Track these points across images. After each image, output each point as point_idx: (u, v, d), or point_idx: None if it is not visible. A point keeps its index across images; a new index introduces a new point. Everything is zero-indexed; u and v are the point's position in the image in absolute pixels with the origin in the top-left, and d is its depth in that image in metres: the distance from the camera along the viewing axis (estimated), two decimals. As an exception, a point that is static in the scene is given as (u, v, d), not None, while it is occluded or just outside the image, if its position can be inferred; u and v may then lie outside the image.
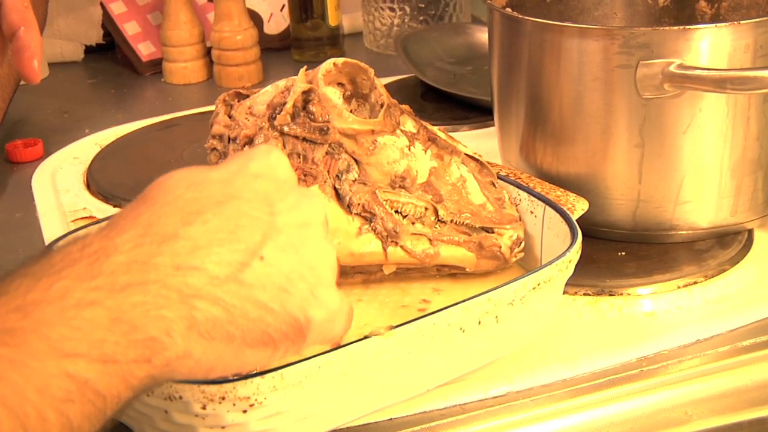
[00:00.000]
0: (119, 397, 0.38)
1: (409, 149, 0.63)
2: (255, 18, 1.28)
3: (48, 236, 0.82)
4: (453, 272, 0.65)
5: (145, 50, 1.27)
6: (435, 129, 0.66)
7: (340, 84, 0.65)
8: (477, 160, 0.66)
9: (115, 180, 0.93)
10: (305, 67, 0.66)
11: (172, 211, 0.41)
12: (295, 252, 0.43)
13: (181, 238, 0.40)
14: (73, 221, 0.86)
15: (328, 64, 0.64)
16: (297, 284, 0.42)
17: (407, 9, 1.28)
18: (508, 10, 0.78)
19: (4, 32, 0.69)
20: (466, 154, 0.66)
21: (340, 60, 0.64)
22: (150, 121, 1.08)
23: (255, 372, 0.50)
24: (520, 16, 0.74)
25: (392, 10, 1.29)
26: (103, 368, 0.37)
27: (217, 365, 0.41)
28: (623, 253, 0.73)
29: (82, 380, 0.36)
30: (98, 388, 0.37)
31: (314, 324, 0.43)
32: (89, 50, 1.33)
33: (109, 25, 1.28)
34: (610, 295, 0.69)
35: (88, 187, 0.93)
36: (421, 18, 1.28)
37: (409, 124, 0.65)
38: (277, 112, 0.63)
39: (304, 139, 0.62)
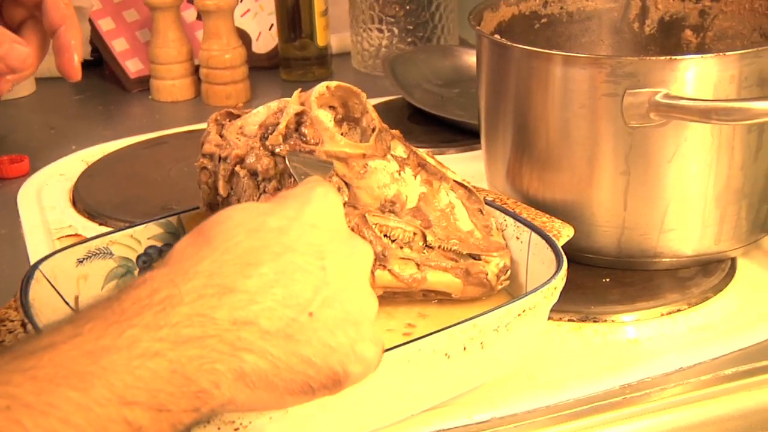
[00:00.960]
0: None
1: (399, 174, 0.64)
2: (243, 37, 1.28)
3: (33, 253, 0.82)
4: (439, 298, 0.65)
5: (132, 67, 1.27)
6: (425, 154, 0.66)
7: (331, 107, 0.65)
8: (466, 187, 0.66)
9: (101, 198, 0.93)
10: (299, 89, 0.66)
11: (232, 261, 0.44)
12: (341, 307, 0.46)
13: (240, 291, 0.43)
14: (58, 239, 0.85)
15: (321, 87, 0.64)
16: (340, 340, 0.45)
17: (395, 30, 1.29)
18: (497, 36, 0.78)
19: (46, 29, 0.70)
20: (455, 180, 0.66)
21: (333, 84, 0.64)
22: (137, 138, 1.08)
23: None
24: (508, 42, 0.75)
25: (380, 31, 1.29)
26: (157, 416, 0.39)
27: (258, 408, 0.45)
28: (608, 280, 0.74)
29: (137, 426, 0.39)
30: None
31: (351, 377, 0.46)
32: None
33: (97, 41, 1.28)
34: (595, 321, 0.69)
35: (74, 204, 0.93)
36: (409, 39, 1.29)
37: (400, 149, 0.65)
38: (269, 132, 0.64)
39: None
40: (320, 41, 1.28)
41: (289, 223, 0.47)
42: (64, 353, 0.39)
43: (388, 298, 0.65)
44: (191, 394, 0.40)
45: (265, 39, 1.34)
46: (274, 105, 0.66)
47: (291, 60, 1.29)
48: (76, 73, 0.71)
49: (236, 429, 0.50)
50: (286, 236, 0.46)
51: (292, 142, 0.63)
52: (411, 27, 1.29)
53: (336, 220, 0.49)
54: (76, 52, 0.70)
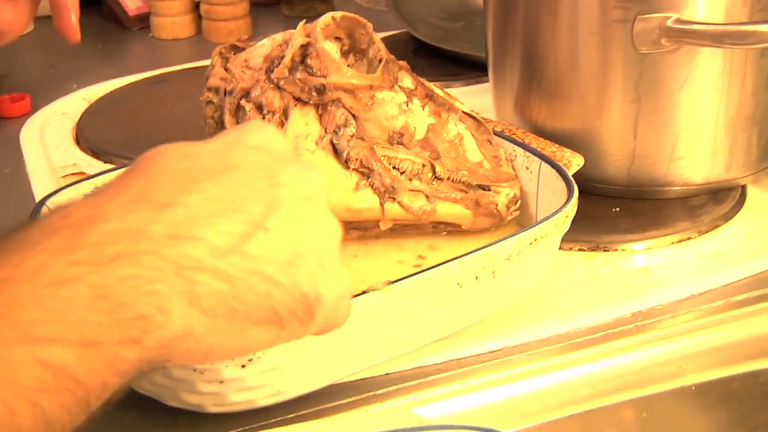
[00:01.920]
0: (105, 384, 0.34)
1: (407, 105, 0.63)
2: (243, -29, 1.26)
3: (38, 192, 0.82)
4: (449, 229, 0.65)
5: (132, 5, 1.25)
6: (432, 86, 0.65)
7: (337, 38, 0.64)
8: (474, 118, 0.66)
9: (105, 136, 0.92)
10: (304, 20, 0.65)
11: (166, 180, 0.37)
12: (300, 225, 0.39)
13: (179, 205, 0.36)
14: (63, 177, 0.85)
15: (326, 18, 0.63)
16: (306, 258, 0.39)
17: (398, -37, 1.26)
18: (504, -37, 0.77)
19: None
20: (463, 111, 0.65)
21: (338, 14, 0.63)
22: (139, 76, 1.07)
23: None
24: (515, -30, 0.74)
25: (383, -36, 1.27)
26: (84, 353, 0.33)
27: (218, 346, 0.37)
28: (618, 209, 0.73)
29: (58, 367, 0.32)
30: (78, 375, 0.33)
31: (324, 302, 0.39)
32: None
33: (95, -22, 1.26)
34: (605, 250, 0.69)
35: (78, 142, 0.92)
36: (411, -28, 1.27)
37: (407, 81, 0.64)
38: (274, 65, 0.63)
39: (298, 99, 0.62)
40: (322, -25, 1.26)
41: (229, 147, 0.41)
42: None
43: (398, 230, 0.65)
44: (126, 322, 0.33)
45: (265, -26, 1.32)
46: (279, 37, 0.66)
47: (292, -5, 1.27)
48: (75, 34, 0.67)
49: (250, 360, 0.50)
50: (226, 157, 0.40)
51: (298, 75, 0.62)
52: (413, -41, 1.26)
53: (279, 144, 0.43)
54: (74, 12, 0.66)
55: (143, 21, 1.25)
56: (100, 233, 0.34)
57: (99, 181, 0.65)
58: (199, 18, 1.22)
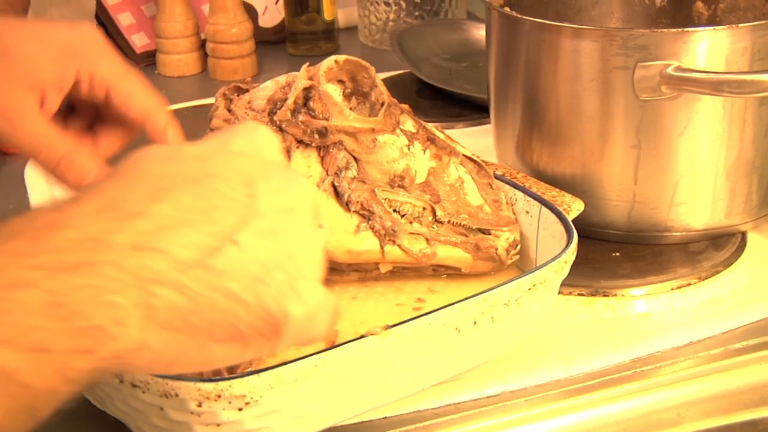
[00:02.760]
0: (54, 391, 0.33)
1: (409, 149, 0.63)
2: (250, 11, 1.27)
3: (41, 228, 0.82)
4: (449, 273, 0.65)
5: (138, 42, 1.26)
6: (434, 129, 0.66)
7: (340, 81, 0.65)
8: (475, 162, 0.66)
9: (109, 172, 0.92)
10: (307, 63, 0.66)
11: (140, 187, 0.36)
12: (275, 239, 0.38)
13: (146, 216, 0.35)
14: (66, 214, 0.85)
15: (329, 61, 0.64)
16: (274, 275, 0.37)
17: (403, 4, 1.28)
18: (507, 9, 0.78)
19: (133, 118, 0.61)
20: (464, 155, 0.66)
21: (341, 57, 0.64)
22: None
23: (251, 370, 0.50)
24: (517, 15, 0.74)
25: (387, 4, 1.28)
26: (33, 358, 0.32)
27: (180, 359, 0.36)
28: (618, 254, 0.74)
29: (6, 370, 0.32)
30: (25, 380, 0.32)
31: (291, 320, 0.38)
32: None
33: (102, 15, 1.28)
34: (605, 295, 0.69)
35: (82, 179, 0.93)
36: (416, 13, 1.28)
37: (409, 124, 0.65)
38: (277, 107, 0.64)
39: (300, 141, 0.62)
40: (327, 15, 1.28)
41: (212, 152, 0.39)
42: None
43: (398, 273, 0.65)
44: (80, 331, 0.33)
45: (272, 13, 1.33)
46: (282, 79, 0.66)
47: (298, 34, 1.29)
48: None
49: (247, 403, 0.50)
50: (207, 163, 0.38)
51: (300, 117, 0.62)
52: (418, 1, 1.28)
53: (268, 149, 0.42)
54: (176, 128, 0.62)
55: (150, 58, 1.26)
56: (62, 240, 0.34)
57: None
58: (205, 56, 1.23)
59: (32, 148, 0.56)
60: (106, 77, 0.56)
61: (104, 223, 0.35)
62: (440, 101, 1.07)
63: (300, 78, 0.64)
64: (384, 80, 0.66)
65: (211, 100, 0.71)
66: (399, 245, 0.62)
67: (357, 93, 0.66)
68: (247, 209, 0.37)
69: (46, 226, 0.34)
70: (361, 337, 0.52)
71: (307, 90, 0.63)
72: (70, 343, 0.33)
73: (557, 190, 0.70)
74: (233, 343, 0.37)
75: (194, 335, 0.36)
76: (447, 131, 0.69)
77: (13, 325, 0.32)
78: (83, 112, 0.61)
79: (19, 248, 0.33)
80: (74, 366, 0.33)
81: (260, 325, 0.37)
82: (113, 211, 0.35)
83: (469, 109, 1.04)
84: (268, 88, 0.66)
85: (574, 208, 0.68)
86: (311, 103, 0.63)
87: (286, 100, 0.64)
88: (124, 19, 1.27)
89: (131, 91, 0.57)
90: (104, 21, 1.28)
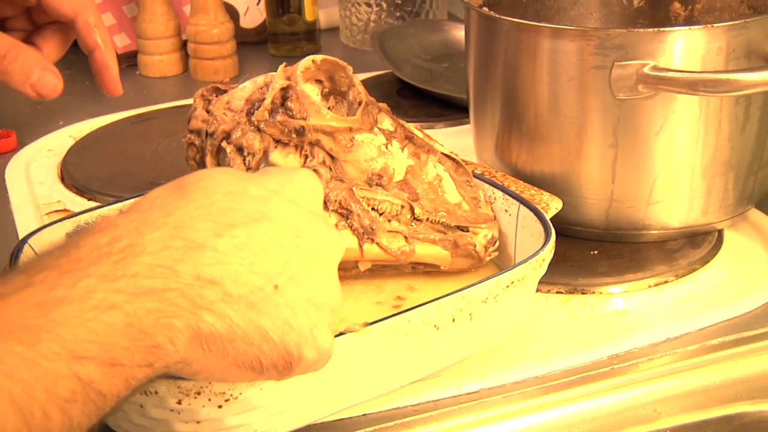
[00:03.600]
0: (118, 396, 0.39)
1: (387, 147, 0.64)
2: (231, 12, 1.27)
3: (21, 229, 0.82)
4: (427, 270, 0.65)
5: (120, 42, 1.26)
6: (412, 127, 0.66)
7: (318, 81, 0.65)
8: (453, 159, 0.66)
9: (89, 173, 0.93)
10: (284, 63, 0.66)
11: (205, 217, 0.42)
12: (307, 287, 0.44)
13: (208, 248, 0.41)
14: (47, 214, 0.85)
15: (307, 61, 0.64)
16: (301, 320, 0.43)
17: (384, 5, 1.28)
18: (485, 9, 0.78)
19: (82, 49, 0.71)
20: (442, 153, 0.66)
21: (318, 57, 0.64)
22: (125, 114, 1.08)
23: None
24: (496, 15, 0.75)
25: (369, 5, 1.29)
26: (109, 371, 0.38)
27: (203, 373, 0.42)
28: (596, 252, 0.74)
29: (88, 381, 0.37)
30: (101, 389, 0.38)
31: (304, 362, 0.44)
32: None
33: (84, 16, 1.27)
34: (583, 293, 0.70)
35: (63, 179, 0.93)
36: (397, 14, 1.28)
37: (387, 123, 0.65)
38: (255, 107, 0.64)
39: (278, 141, 0.62)
40: (308, 16, 1.28)
41: (270, 195, 0.45)
42: (12, 305, 0.37)
43: (377, 271, 0.65)
44: (146, 349, 0.39)
45: (253, 14, 1.33)
46: (260, 80, 0.66)
47: (279, 35, 1.29)
48: (118, 89, 0.71)
49: (227, 400, 0.50)
50: (264, 205, 0.44)
51: (278, 117, 0.63)
52: (399, 1, 1.28)
53: (316, 203, 0.48)
54: (114, 70, 0.71)
55: (131, 59, 1.25)
56: (139, 265, 0.39)
57: (82, 219, 0.66)
58: (186, 57, 1.23)
59: None
60: None
61: (173, 252, 0.40)
62: (421, 101, 1.08)
63: (277, 78, 0.64)
64: (365, 81, 0.67)
65: (191, 101, 0.71)
66: (378, 243, 0.62)
67: (335, 92, 0.66)
68: (291, 257, 0.44)
69: (125, 250, 0.39)
70: (341, 334, 0.52)
71: (285, 90, 0.64)
72: (139, 359, 0.39)
73: (536, 188, 0.70)
74: (251, 370, 0.43)
75: (223, 358, 0.42)
76: (427, 131, 0.70)
77: (98, 343, 0.37)
78: (17, 25, 0.68)
79: (106, 272, 0.38)
80: (137, 376, 0.39)
81: (278, 362, 0.43)
82: (182, 239, 0.41)
83: (450, 109, 1.04)
84: (246, 88, 0.66)
85: (553, 206, 0.69)
86: (289, 103, 0.63)
87: (264, 100, 0.64)
88: (105, 20, 1.26)
89: (82, 28, 0.63)
90: (85, 22, 1.27)
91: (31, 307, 0.37)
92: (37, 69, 0.67)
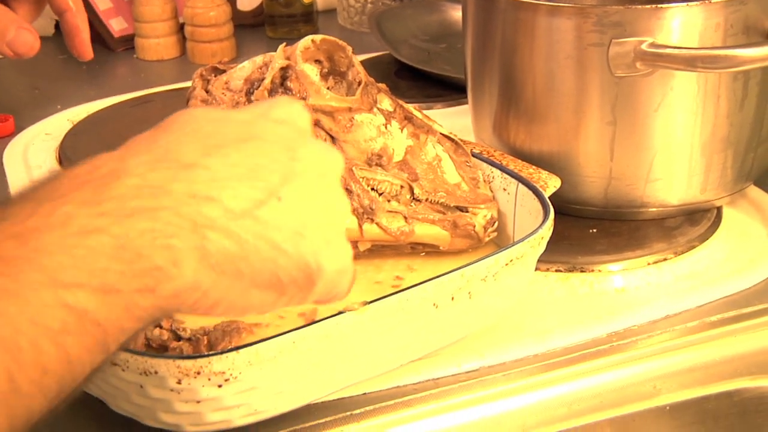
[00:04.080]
0: (122, 329, 0.36)
1: (386, 127, 0.64)
2: (228, -6, 1.27)
3: (20, 213, 0.82)
4: (427, 250, 0.66)
5: (116, 26, 1.26)
6: (411, 108, 0.66)
7: (317, 61, 0.65)
8: (452, 140, 0.66)
9: (87, 157, 0.92)
10: (284, 43, 0.66)
11: (192, 141, 0.39)
12: (312, 199, 0.41)
13: (200, 167, 0.38)
14: (45, 198, 0.85)
15: (306, 41, 0.64)
16: (312, 231, 0.41)
17: (381, -14, 1.28)
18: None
19: (53, 11, 0.70)
20: (441, 133, 0.66)
21: (318, 37, 0.64)
22: (123, 97, 1.08)
23: (230, 347, 0.51)
24: (493, -7, 0.75)
25: (366, -13, 1.28)
26: (104, 298, 0.35)
27: (222, 301, 0.39)
28: (594, 230, 0.74)
29: (81, 311, 0.34)
30: (98, 319, 0.35)
31: (325, 274, 0.41)
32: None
33: (80, 0, 1.27)
34: (581, 271, 0.70)
35: (61, 163, 0.93)
36: (394, -5, 1.28)
37: (386, 103, 0.65)
38: (254, 87, 0.64)
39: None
40: (305, -2, 1.27)
41: (255, 118, 0.43)
42: None
43: (376, 251, 0.65)
44: (143, 272, 0.36)
45: (250, -4, 1.33)
46: (259, 59, 0.66)
47: (276, 17, 1.28)
48: (89, 52, 0.72)
49: (226, 380, 0.50)
50: (252, 127, 0.42)
51: (277, 97, 0.62)
52: (397, -18, 1.28)
53: (303, 121, 0.45)
54: (85, 33, 0.71)
55: (128, 42, 1.25)
56: (124, 187, 0.36)
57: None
58: (183, 39, 1.23)
59: None
60: None
61: (162, 172, 0.37)
62: (419, 82, 1.07)
63: (277, 58, 0.64)
64: (363, 62, 0.67)
65: (189, 84, 0.71)
66: (377, 223, 0.62)
67: (334, 72, 0.66)
68: (289, 169, 0.41)
69: (108, 175, 0.36)
70: (340, 313, 0.52)
71: (284, 69, 0.63)
72: (136, 284, 0.36)
73: (534, 167, 0.70)
74: (271, 290, 0.40)
75: (239, 278, 0.39)
76: (426, 111, 0.70)
77: (86, 269, 0.35)
78: None
79: (86, 197, 0.36)
80: (139, 304, 0.36)
81: (297, 275, 0.40)
82: (169, 161, 0.38)
83: (448, 89, 1.04)
84: (245, 68, 0.66)
85: (551, 184, 0.68)
86: (288, 83, 0.63)
87: (263, 80, 0.64)
88: (101, 3, 1.26)
89: None
90: (81, 5, 1.27)
91: (7, 239, 0.34)
92: (12, 27, 0.67)
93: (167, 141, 0.39)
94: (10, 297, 0.33)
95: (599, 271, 0.70)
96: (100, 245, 0.35)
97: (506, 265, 0.57)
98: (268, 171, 0.40)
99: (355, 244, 0.64)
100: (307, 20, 1.28)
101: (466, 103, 0.84)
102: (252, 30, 1.31)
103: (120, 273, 0.35)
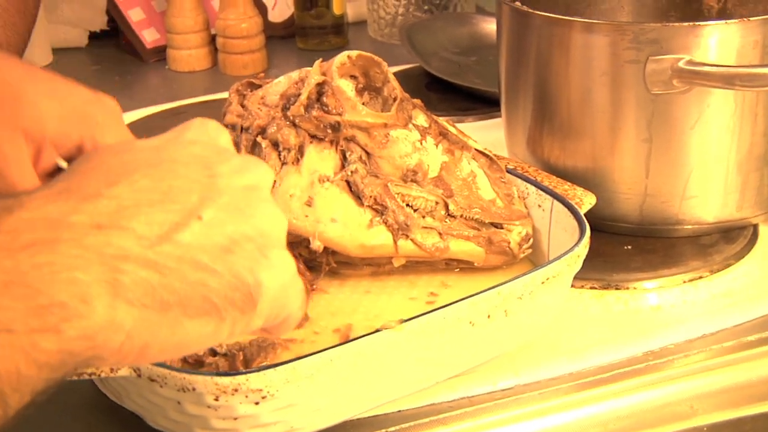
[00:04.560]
0: (20, 374, 0.32)
1: (421, 143, 0.64)
2: (259, 6, 1.28)
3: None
4: (461, 266, 0.65)
5: (149, 37, 1.27)
6: (446, 123, 0.66)
7: (353, 76, 0.65)
8: (487, 156, 0.66)
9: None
10: (320, 59, 0.66)
11: (95, 174, 0.36)
12: (240, 214, 0.37)
13: (104, 197, 0.35)
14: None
15: (342, 57, 0.64)
16: (243, 245, 0.37)
17: (412, -2, 1.28)
18: (517, 3, 0.78)
19: None
20: (476, 149, 0.66)
21: (354, 53, 0.64)
22: (154, 108, 1.08)
23: (267, 364, 0.51)
24: (528, 9, 0.74)
25: (397, -1, 1.29)
26: None
27: (153, 341, 0.35)
28: (629, 247, 0.74)
29: None
30: None
31: (265, 289, 0.37)
32: (94, 36, 1.33)
33: (113, 11, 1.28)
34: (616, 288, 0.69)
35: (95, 174, 0.93)
36: (425, 7, 1.28)
37: (421, 119, 0.65)
38: (290, 102, 0.64)
39: (313, 136, 0.62)
40: (337, 10, 1.28)
41: (166, 143, 0.39)
42: None
43: (410, 266, 0.65)
44: (41, 309, 0.32)
45: (281, 8, 1.33)
46: (295, 75, 0.66)
47: (307, 29, 1.29)
48: None
49: (264, 397, 0.50)
50: (162, 151, 0.38)
51: (314, 112, 0.63)
52: (427, -6, 1.28)
53: (222, 139, 0.42)
54: None
55: (160, 53, 1.26)
56: (16, 220, 0.33)
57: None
58: (215, 51, 1.24)
59: None
60: None
61: (60, 204, 0.34)
62: (450, 95, 1.07)
63: (313, 73, 0.64)
64: (394, 74, 0.67)
65: (221, 95, 0.71)
66: (412, 239, 0.62)
67: (369, 88, 0.66)
68: (208, 188, 0.37)
69: (8, 211, 0.33)
70: (376, 331, 0.53)
71: (320, 85, 0.64)
72: (34, 322, 0.32)
73: (569, 183, 0.70)
74: (207, 317, 0.36)
75: (166, 310, 0.35)
76: (457, 124, 0.70)
77: None
78: None
79: None
80: (40, 347, 0.32)
81: (233, 295, 0.36)
82: (70, 194, 0.34)
83: (479, 102, 1.04)
84: (281, 83, 0.67)
85: (586, 201, 0.68)
86: (324, 99, 0.63)
87: (299, 95, 0.64)
88: (134, 15, 1.27)
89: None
90: (115, 17, 1.28)
91: None
92: None
93: (68, 177, 0.36)
94: None
95: (634, 288, 0.69)
96: None
97: (542, 283, 0.57)
98: (184, 192, 0.36)
99: (389, 259, 0.64)
100: (338, 32, 1.29)
101: (498, 116, 0.84)
102: (283, 41, 1.32)
103: (12, 310, 0.31)
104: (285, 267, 0.39)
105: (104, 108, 0.54)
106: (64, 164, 0.47)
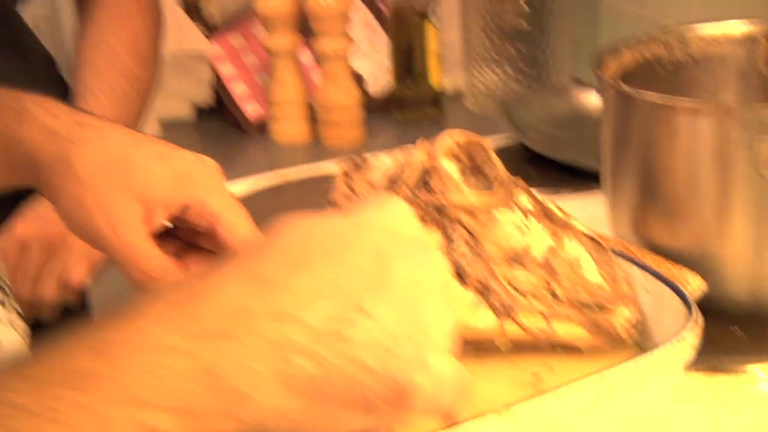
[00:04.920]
0: None
1: (526, 225, 0.64)
2: (358, 78, 1.30)
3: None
4: (566, 348, 0.65)
5: (252, 110, 1.31)
6: (551, 204, 0.66)
7: (456, 156, 0.66)
8: (593, 239, 0.66)
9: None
10: (423, 139, 0.67)
11: (279, 259, 0.39)
12: (405, 310, 0.39)
13: (285, 288, 0.38)
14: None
15: (448, 140, 0.65)
16: (404, 345, 0.38)
17: (509, 70, 1.29)
18: (621, 83, 0.78)
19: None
20: (582, 231, 0.66)
21: (460, 137, 0.65)
22: (258, 183, 1.10)
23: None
24: (633, 91, 0.74)
25: (494, 71, 1.30)
26: (182, 421, 0.34)
27: (307, 423, 0.38)
28: (736, 328, 0.72)
29: (154, 431, 0.34)
30: None
31: (420, 391, 0.39)
32: (202, 112, 1.37)
33: (218, 86, 1.32)
34: (726, 372, 0.68)
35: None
36: (522, 79, 1.29)
37: (525, 200, 0.65)
38: (396, 184, 0.65)
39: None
40: (434, 81, 1.30)
41: (350, 228, 0.41)
42: (61, 349, 0.35)
43: (514, 348, 0.65)
44: (222, 395, 0.35)
45: (378, 80, 1.36)
46: (400, 156, 0.68)
47: (404, 100, 1.31)
48: None
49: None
50: (345, 237, 0.40)
51: (421, 195, 0.64)
52: (524, 66, 1.29)
53: (404, 224, 0.43)
54: None
55: (262, 126, 1.30)
56: (204, 306, 0.36)
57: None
58: (315, 123, 1.26)
59: (127, 258, 0.56)
60: (216, 208, 0.58)
61: (244, 290, 0.37)
62: (547, 168, 1.07)
63: (418, 155, 0.66)
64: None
65: (322, 168, 0.72)
66: (517, 322, 0.62)
67: (473, 169, 0.67)
68: (378, 279, 0.39)
69: (193, 295, 0.37)
70: (482, 414, 0.52)
71: (425, 167, 0.65)
72: (217, 407, 0.35)
73: (677, 266, 0.69)
74: (361, 411, 0.38)
75: (326, 402, 0.37)
76: (555, 198, 0.69)
77: (164, 389, 0.34)
78: (176, 238, 0.61)
79: (170, 315, 0.36)
80: (218, 428, 0.35)
81: (387, 394, 0.38)
82: (255, 282, 0.38)
83: (576, 176, 1.03)
84: (385, 164, 0.68)
85: (694, 284, 0.67)
86: (430, 181, 0.64)
87: (404, 176, 0.65)
88: (238, 89, 1.31)
89: (237, 224, 0.59)
90: (220, 91, 1.33)
91: (80, 350, 0.34)
92: None
93: (255, 259, 0.39)
94: (83, 412, 0.33)
95: (744, 372, 0.67)
96: (178, 364, 0.35)
97: (651, 369, 0.56)
98: (355, 284, 0.38)
99: (493, 341, 0.64)
100: (435, 104, 1.31)
101: (596, 190, 0.83)
102: (380, 113, 1.34)
103: (198, 396, 0.35)
104: (441, 369, 0.40)
105: (206, 168, 0.58)
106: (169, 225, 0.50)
